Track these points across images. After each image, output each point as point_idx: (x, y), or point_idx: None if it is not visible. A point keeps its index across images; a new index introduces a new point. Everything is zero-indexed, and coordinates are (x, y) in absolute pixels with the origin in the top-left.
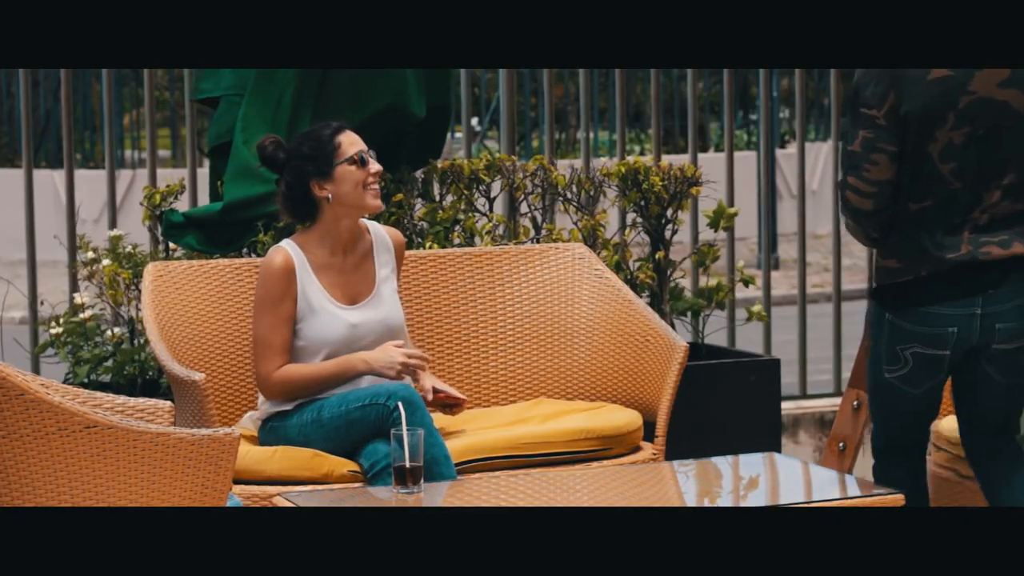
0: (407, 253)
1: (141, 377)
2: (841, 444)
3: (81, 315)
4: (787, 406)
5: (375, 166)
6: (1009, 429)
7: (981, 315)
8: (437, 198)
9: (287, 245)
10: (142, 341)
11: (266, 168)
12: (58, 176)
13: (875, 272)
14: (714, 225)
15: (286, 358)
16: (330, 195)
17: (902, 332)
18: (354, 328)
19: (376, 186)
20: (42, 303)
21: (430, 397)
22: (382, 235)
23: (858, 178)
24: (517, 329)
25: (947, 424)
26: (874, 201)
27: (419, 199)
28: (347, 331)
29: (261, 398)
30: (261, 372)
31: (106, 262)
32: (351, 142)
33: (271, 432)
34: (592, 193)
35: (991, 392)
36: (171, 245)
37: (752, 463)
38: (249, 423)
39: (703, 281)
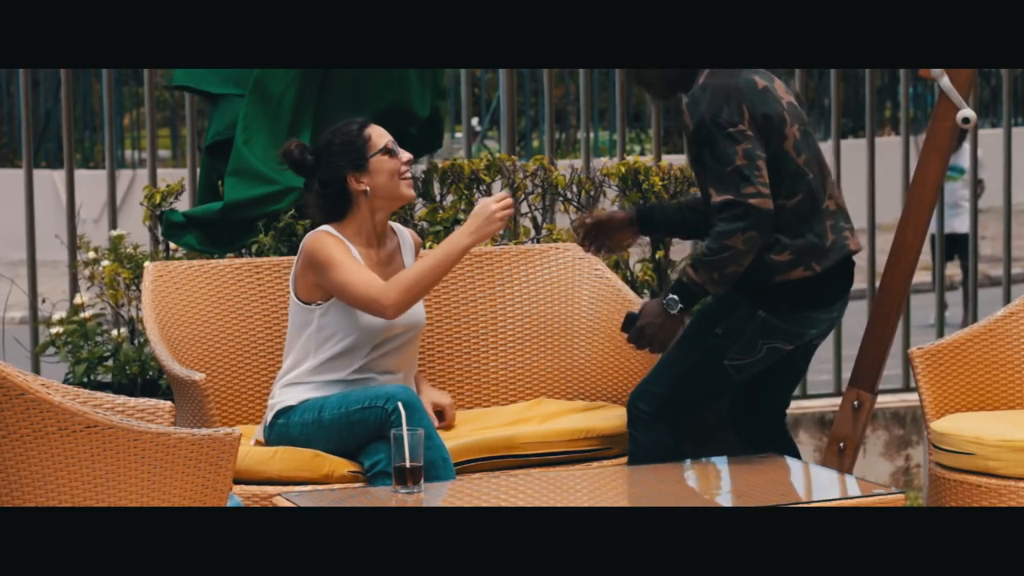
0: None
1: (141, 377)
2: (841, 444)
3: (82, 315)
4: None
5: (405, 154)
6: (784, 412)
7: (835, 317)
8: (437, 198)
9: (327, 228)
10: (142, 341)
11: (293, 172)
12: (58, 176)
13: (758, 270)
14: None
15: (381, 280)
16: (367, 188)
17: (773, 329)
18: (389, 320)
19: (409, 175)
20: (43, 303)
21: (436, 422)
22: (404, 233)
23: (755, 184)
24: (517, 329)
25: (948, 424)
26: (771, 200)
27: (419, 199)
28: (383, 322)
29: (271, 398)
30: (373, 296)
31: (106, 262)
32: (379, 134)
33: (275, 431)
34: (592, 193)
35: (793, 379)
36: (172, 245)
37: (752, 463)
38: (261, 434)
39: None
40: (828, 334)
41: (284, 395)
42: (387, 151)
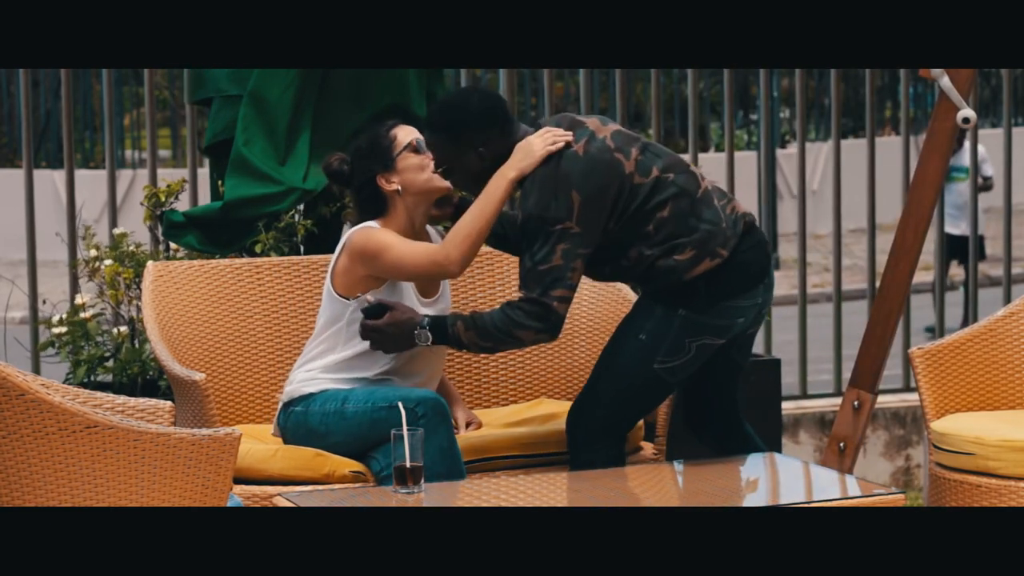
0: None
1: (141, 377)
2: (841, 444)
3: (82, 315)
4: (787, 406)
5: None
6: (739, 407)
7: (760, 304)
8: None
9: (370, 224)
10: (142, 341)
11: (336, 185)
12: (58, 176)
13: (665, 274)
14: None
15: (435, 245)
16: (399, 187)
17: (697, 325)
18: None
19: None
20: (43, 303)
21: (463, 431)
22: (435, 235)
23: (564, 288)
24: None
25: (948, 424)
26: (570, 302)
27: None
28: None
29: (289, 384)
30: (433, 259)
31: (108, 262)
32: (406, 132)
33: (291, 418)
34: None
35: (733, 374)
36: (172, 245)
37: (752, 463)
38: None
39: None
40: (760, 323)
41: (305, 385)
42: (413, 148)
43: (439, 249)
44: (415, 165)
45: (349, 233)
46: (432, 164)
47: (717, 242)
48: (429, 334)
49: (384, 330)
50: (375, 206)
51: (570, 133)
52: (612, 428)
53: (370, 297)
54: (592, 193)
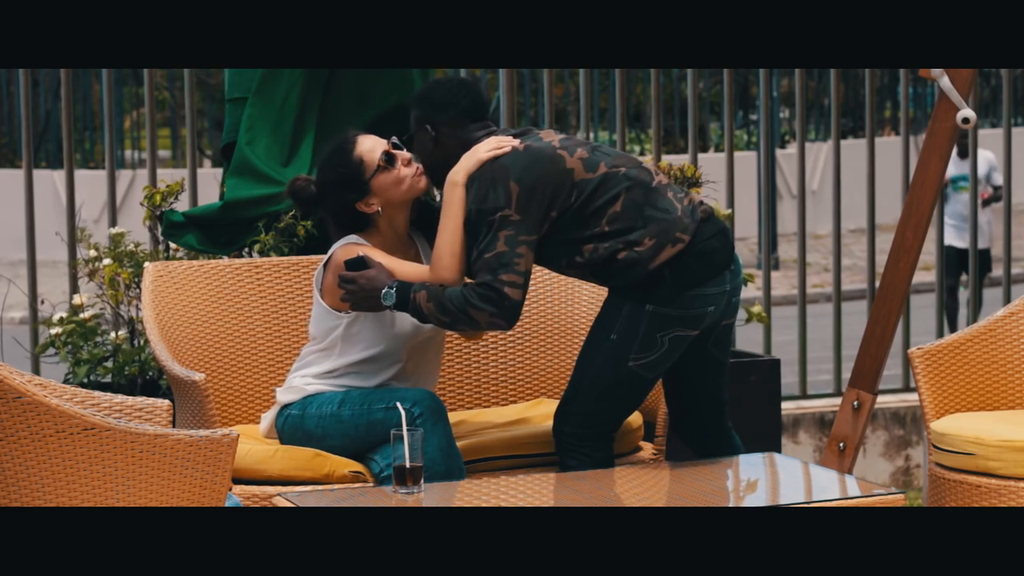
0: None
1: (141, 377)
2: (841, 444)
3: (81, 315)
4: (787, 406)
5: (403, 155)
6: (724, 408)
7: (728, 291)
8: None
9: (355, 239)
10: (142, 341)
11: (301, 205)
12: (58, 176)
13: (629, 267)
14: None
15: (424, 270)
16: (379, 207)
17: (666, 318)
18: (417, 325)
19: (414, 169)
20: (42, 303)
21: None
22: (423, 242)
23: (513, 273)
24: (517, 329)
25: (948, 424)
26: (525, 290)
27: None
28: (411, 330)
29: (281, 389)
30: (440, 280)
31: (107, 261)
32: (370, 149)
33: (289, 421)
34: None
35: (713, 371)
36: (172, 245)
37: (752, 463)
38: (267, 428)
39: None
40: (734, 315)
41: (298, 391)
42: (382, 167)
43: (432, 276)
44: (390, 182)
45: (334, 249)
46: (405, 168)
47: (676, 228)
48: (394, 295)
49: (358, 282)
50: (356, 225)
51: (517, 140)
52: (597, 431)
53: (361, 252)
54: (530, 183)
